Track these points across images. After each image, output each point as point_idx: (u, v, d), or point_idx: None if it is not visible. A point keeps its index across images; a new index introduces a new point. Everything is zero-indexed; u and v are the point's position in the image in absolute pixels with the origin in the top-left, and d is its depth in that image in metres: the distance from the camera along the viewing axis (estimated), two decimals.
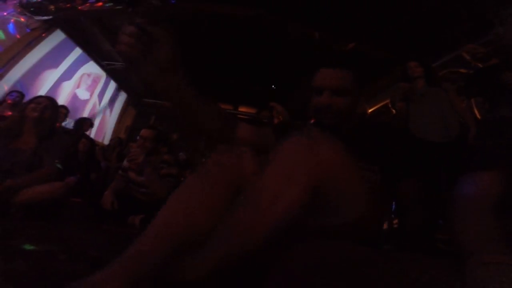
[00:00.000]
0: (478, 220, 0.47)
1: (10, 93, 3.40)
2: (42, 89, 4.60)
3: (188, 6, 3.74)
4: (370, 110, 4.61)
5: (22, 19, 4.04)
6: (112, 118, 6.86)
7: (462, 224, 0.49)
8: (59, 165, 1.69)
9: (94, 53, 5.49)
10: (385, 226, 3.43)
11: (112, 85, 6.58)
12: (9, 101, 3.14)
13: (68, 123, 4.09)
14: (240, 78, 5.47)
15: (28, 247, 1.04)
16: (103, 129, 6.43)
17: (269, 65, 4.81)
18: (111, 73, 6.23)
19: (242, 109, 7.25)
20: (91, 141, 3.37)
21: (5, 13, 3.90)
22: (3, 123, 1.81)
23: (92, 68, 5.75)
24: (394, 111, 2.68)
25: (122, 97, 7.16)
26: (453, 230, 0.52)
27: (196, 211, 0.57)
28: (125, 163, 2.08)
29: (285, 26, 3.83)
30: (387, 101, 3.16)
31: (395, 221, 2.98)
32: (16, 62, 4.19)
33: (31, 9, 3.76)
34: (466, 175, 0.57)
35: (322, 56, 4.19)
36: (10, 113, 2.80)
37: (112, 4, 3.75)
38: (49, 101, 1.84)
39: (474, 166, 0.60)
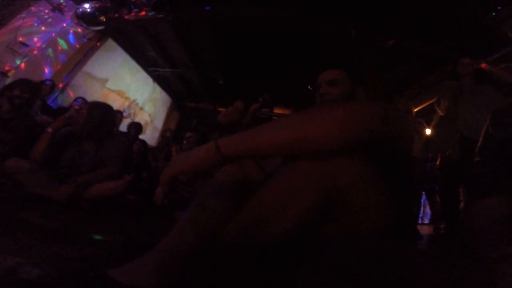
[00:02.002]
0: (494, 233, 0.48)
1: (75, 99, 3.77)
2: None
3: (222, 10, 3.87)
4: (416, 109, 4.35)
5: (79, 30, 4.48)
6: (158, 121, 7.36)
7: (480, 236, 0.50)
8: (120, 165, 1.91)
9: (141, 60, 5.91)
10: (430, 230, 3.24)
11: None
12: (75, 107, 3.51)
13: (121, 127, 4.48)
14: (276, 80, 5.49)
15: (97, 237, 1.23)
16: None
17: (305, 65, 4.77)
18: (157, 79, 6.68)
19: (277, 111, 7.23)
20: (144, 143, 3.70)
21: (64, 24, 4.34)
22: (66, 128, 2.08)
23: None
24: (440, 112, 2.54)
25: (167, 101, 7.63)
26: (471, 238, 0.52)
27: (212, 210, 0.69)
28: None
29: (320, 25, 3.79)
30: (434, 99, 2.99)
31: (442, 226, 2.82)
32: (79, 70, 4.66)
33: (86, 19, 4.15)
34: (477, 202, 0.57)
35: (360, 54, 4.06)
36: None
37: (154, 13, 4.04)
38: (91, 106, 2.04)
39: (482, 192, 0.59)
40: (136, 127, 4.09)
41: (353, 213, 0.60)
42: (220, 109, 7.38)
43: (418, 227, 3.27)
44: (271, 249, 0.62)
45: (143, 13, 4.12)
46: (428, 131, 3.06)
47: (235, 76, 5.74)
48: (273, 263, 0.64)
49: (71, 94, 4.53)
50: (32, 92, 2.09)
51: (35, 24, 4.00)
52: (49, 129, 1.85)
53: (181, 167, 0.62)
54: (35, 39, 4.03)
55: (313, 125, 0.56)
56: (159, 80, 6.75)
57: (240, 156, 0.61)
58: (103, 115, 2.03)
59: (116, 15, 4.19)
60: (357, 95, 1.01)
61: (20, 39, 3.80)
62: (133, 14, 4.19)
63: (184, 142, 2.20)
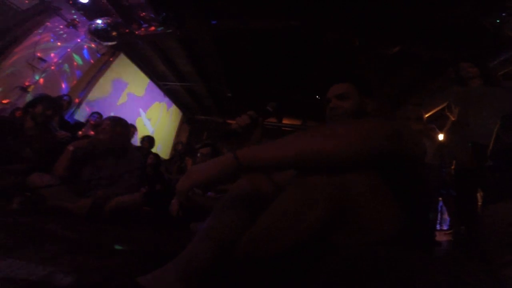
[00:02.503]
0: (506, 238, 0.48)
1: (91, 114, 3.94)
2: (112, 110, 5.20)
3: (228, 24, 3.98)
4: (426, 115, 4.31)
5: (93, 45, 4.61)
6: (170, 133, 7.50)
7: (493, 241, 0.51)
8: (136, 179, 1.98)
9: (152, 74, 6.07)
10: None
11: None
12: (91, 122, 3.65)
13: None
14: (283, 91, 5.52)
15: (117, 247, 1.27)
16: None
17: (311, 75, 4.81)
18: (167, 92, 6.84)
19: (286, 121, 7.19)
20: (157, 156, 3.80)
21: (78, 40, 4.49)
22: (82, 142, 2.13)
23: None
24: (452, 117, 2.51)
25: (178, 115, 7.77)
26: (485, 243, 0.53)
27: (228, 222, 0.74)
28: None
29: (323, 36, 3.83)
30: (444, 104, 2.97)
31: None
32: (93, 85, 4.79)
33: (99, 35, 4.27)
34: (490, 207, 0.58)
35: (364, 61, 4.08)
36: (93, 133, 3.29)
37: (163, 28, 4.16)
38: (114, 122, 2.10)
39: (495, 197, 0.60)
40: (149, 141, 4.20)
41: (362, 222, 0.63)
42: (229, 121, 7.46)
43: (437, 233, 3.18)
44: (284, 258, 0.65)
45: (153, 28, 4.27)
46: (440, 137, 3.02)
47: (243, 89, 5.82)
48: (286, 270, 0.67)
49: (87, 109, 4.67)
50: (54, 109, 2.18)
51: (51, 40, 4.14)
52: (71, 147, 1.93)
53: (199, 178, 0.65)
54: (52, 54, 4.18)
55: (327, 141, 0.61)
56: (170, 93, 6.90)
57: (257, 167, 0.65)
58: (125, 131, 2.12)
59: (127, 30, 4.33)
60: (366, 108, 1.03)
61: (38, 54, 3.94)
62: (143, 29, 4.33)
63: (198, 155, 2.26)
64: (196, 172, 0.66)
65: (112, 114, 5.02)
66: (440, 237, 3.24)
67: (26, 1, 3.69)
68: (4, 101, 3.63)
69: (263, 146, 0.65)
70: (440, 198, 3.46)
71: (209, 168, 0.65)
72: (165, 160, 5.19)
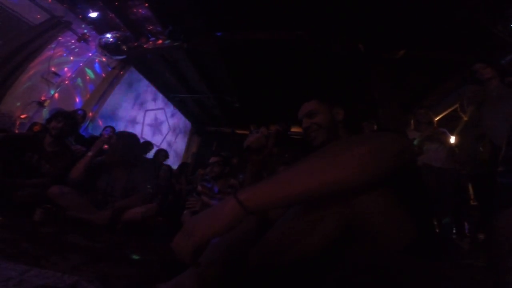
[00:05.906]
0: None
1: (105, 128, 3.99)
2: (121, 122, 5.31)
3: (233, 36, 4.03)
4: (437, 118, 4.24)
5: (104, 59, 4.67)
6: (180, 145, 7.59)
7: (503, 246, 0.51)
8: (150, 190, 2.03)
9: (161, 86, 6.17)
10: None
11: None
12: (105, 136, 3.71)
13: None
14: (289, 99, 5.55)
15: (134, 256, 1.31)
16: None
17: (318, 83, 4.82)
18: (177, 104, 6.95)
19: (294, 129, 7.19)
20: (170, 168, 3.86)
21: (90, 54, 4.55)
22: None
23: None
24: (464, 117, 2.46)
25: (188, 126, 7.86)
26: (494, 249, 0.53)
27: (238, 235, 0.77)
28: (199, 187, 2.38)
29: (327, 44, 3.86)
30: (456, 106, 2.92)
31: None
32: (106, 99, 4.84)
33: (109, 49, 4.31)
34: (500, 212, 0.58)
35: (371, 67, 4.08)
36: (106, 146, 3.35)
37: (170, 41, 4.22)
38: (126, 136, 2.22)
39: (506, 202, 0.60)
40: (163, 154, 4.28)
41: (372, 235, 0.64)
42: (238, 131, 7.49)
43: (457, 237, 3.09)
44: (294, 267, 0.67)
45: (160, 41, 4.33)
46: (452, 140, 2.97)
47: (250, 98, 5.85)
48: (296, 280, 0.69)
49: (100, 123, 4.74)
50: (65, 120, 2.24)
51: (64, 54, 4.22)
52: (90, 153, 2.07)
53: (205, 235, 0.59)
54: (66, 69, 4.25)
55: (338, 171, 0.58)
56: (179, 105, 7.00)
57: (265, 209, 0.61)
58: (129, 145, 2.20)
59: (136, 44, 4.40)
60: (338, 117, 1.05)
61: (53, 69, 4.02)
62: (151, 42, 4.39)
63: (208, 168, 2.31)
64: (199, 228, 0.59)
65: (124, 126, 5.16)
66: (460, 241, 3.15)
67: (38, 16, 3.79)
68: (22, 116, 3.73)
69: (267, 186, 0.60)
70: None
71: (213, 222, 0.59)
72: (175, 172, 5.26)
